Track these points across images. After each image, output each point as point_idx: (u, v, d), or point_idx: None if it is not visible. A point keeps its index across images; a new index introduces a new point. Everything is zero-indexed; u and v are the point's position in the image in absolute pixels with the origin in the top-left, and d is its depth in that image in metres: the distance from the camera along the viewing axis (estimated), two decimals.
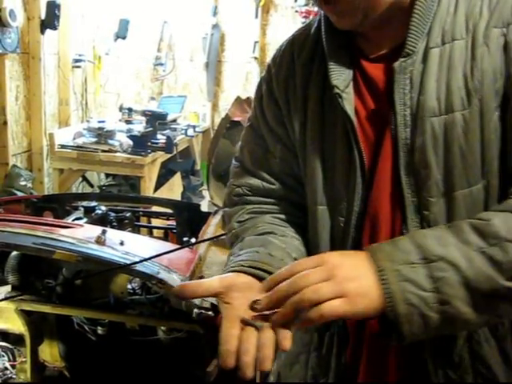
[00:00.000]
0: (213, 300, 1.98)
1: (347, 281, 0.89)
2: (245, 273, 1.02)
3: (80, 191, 5.40)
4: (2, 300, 2.01)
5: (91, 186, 5.61)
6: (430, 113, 1.03)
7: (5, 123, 4.51)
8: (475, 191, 1.04)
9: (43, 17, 4.84)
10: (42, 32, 4.86)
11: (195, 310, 1.95)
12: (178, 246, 2.26)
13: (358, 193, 1.12)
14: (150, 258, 1.90)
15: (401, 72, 1.05)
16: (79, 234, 2.17)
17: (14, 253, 2.18)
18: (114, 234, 2.23)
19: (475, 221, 0.95)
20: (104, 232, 2.15)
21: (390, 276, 0.90)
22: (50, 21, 4.85)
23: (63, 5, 5.00)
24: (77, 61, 5.54)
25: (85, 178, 5.49)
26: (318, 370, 1.23)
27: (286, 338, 0.89)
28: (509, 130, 1.02)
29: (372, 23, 1.09)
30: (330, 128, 1.16)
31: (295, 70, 1.22)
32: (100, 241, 2.10)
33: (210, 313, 1.92)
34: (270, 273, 1.02)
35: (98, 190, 5.54)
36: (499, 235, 0.91)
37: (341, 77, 1.13)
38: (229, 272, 1.04)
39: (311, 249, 1.21)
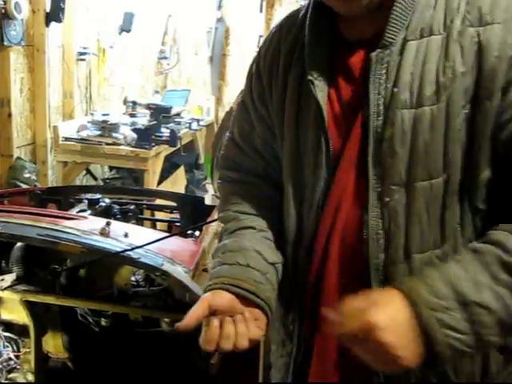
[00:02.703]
0: None
1: (395, 348, 0.95)
2: (226, 290, 1.16)
3: (84, 184, 5.41)
4: (6, 288, 2.02)
5: (95, 178, 5.62)
6: (401, 105, 1.06)
7: (9, 115, 4.52)
8: (435, 184, 1.07)
9: (48, 9, 4.85)
10: (47, 24, 4.87)
11: None
12: (167, 235, 2.26)
13: (322, 177, 1.18)
14: (142, 246, 1.91)
15: (377, 62, 1.08)
16: (83, 226, 2.18)
17: (19, 244, 2.18)
18: (118, 226, 2.24)
19: (502, 254, 0.99)
20: (108, 224, 2.16)
21: (433, 327, 0.96)
22: (55, 13, 4.85)
23: None
24: (81, 54, 5.55)
25: (89, 171, 5.50)
26: (284, 337, 1.34)
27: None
28: (478, 131, 1.04)
29: (372, 7, 1.10)
30: (304, 112, 1.20)
31: (280, 54, 1.27)
32: (104, 232, 2.11)
33: None
34: (247, 290, 1.16)
35: (101, 183, 5.55)
36: None
37: (316, 64, 1.17)
38: (212, 289, 1.18)
39: (284, 228, 1.29)
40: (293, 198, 1.25)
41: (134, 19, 6.23)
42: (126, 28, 6.22)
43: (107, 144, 4.77)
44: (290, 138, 1.24)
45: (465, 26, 1.03)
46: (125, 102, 5.59)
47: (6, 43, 4.35)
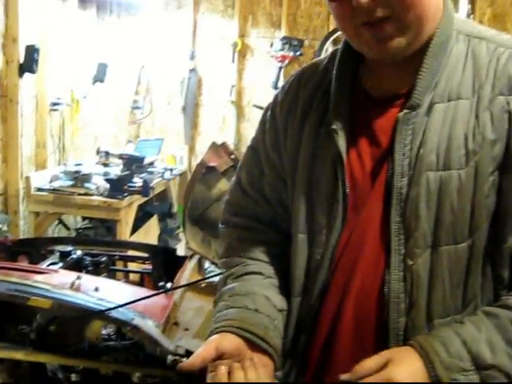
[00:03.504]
0: (187, 346, 1.99)
1: None
2: (235, 334, 1.12)
3: (56, 234, 5.37)
4: None
5: (67, 228, 5.58)
6: (427, 166, 1.07)
7: None
8: (460, 249, 1.07)
9: (22, 60, 4.88)
10: (21, 75, 4.89)
11: (169, 357, 1.96)
12: (152, 293, 2.27)
13: (336, 227, 1.16)
14: (123, 305, 1.91)
15: (404, 123, 1.09)
16: (54, 280, 2.18)
17: None
18: (88, 280, 2.24)
19: None
20: (79, 278, 2.16)
21: (441, 373, 0.97)
22: (29, 64, 4.88)
23: (42, 49, 5.04)
24: (55, 104, 5.56)
25: (61, 221, 5.47)
26: None
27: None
28: (505, 199, 1.06)
29: (404, 54, 1.11)
30: (320, 160, 1.20)
31: (298, 100, 1.28)
32: (75, 287, 2.11)
33: (184, 359, 1.92)
34: (256, 335, 1.13)
35: (74, 233, 5.52)
36: None
37: (340, 114, 1.17)
38: (219, 331, 1.14)
39: (291, 279, 1.26)
40: (303, 249, 1.22)
41: (107, 70, 6.28)
42: (99, 78, 6.26)
43: (79, 194, 4.75)
44: (303, 185, 1.22)
45: (495, 93, 1.06)
46: (98, 152, 5.61)
47: None
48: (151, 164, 5.82)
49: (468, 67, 1.09)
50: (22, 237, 4.76)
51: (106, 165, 5.44)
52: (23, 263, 2.89)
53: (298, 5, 6.70)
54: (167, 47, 6.90)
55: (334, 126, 1.16)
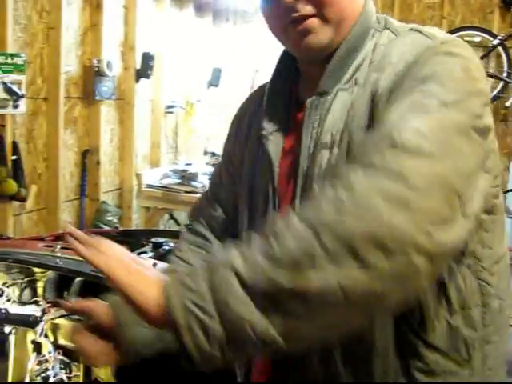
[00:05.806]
0: None
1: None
2: None
3: (167, 229, 5.68)
4: (63, 316, 2.28)
5: (178, 224, 5.89)
6: (322, 146, 1.13)
7: (97, 163, 4.91)
8: None
9: (138, 67, 5.26)
10: (137, 80, 5.28)
11: None
12: None
13: None
14: None
15: (312, 108, 1.16)
16: None
17: (78, 278, 2.44)
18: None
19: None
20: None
21: (170, 281, 0.91)
22: (144, 70, 5.27)
23: (158, 55, 5.41)
24: (169, 107, 5.91)
25: (172, 217, 5.79)
26: None
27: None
28: None
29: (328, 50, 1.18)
30: (259, 165, 1.28)
31: (246, 113, 1.39)
32: None
33: None
34: None
35: (184, 229, 5.79)
36: (275, 229, 0.89)
37: (272, 120, 1.25)
38: None
39: None
40: None
41: (221, 74, 6.56)
42: (214, 83, 6.56)
43: (186, 192, 5.05)
44: (246, 187, 1.31)
45: (374, 76, 1.10)
46: (205, 152, 5.91)
47: (97, 98, 4.78)
48: None
49: (369, 58, 1.14)
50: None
51: (214, 165, 5.71)
52: None
53: (410, 9, 6.71)
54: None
55: (263, 132, 1.24)
